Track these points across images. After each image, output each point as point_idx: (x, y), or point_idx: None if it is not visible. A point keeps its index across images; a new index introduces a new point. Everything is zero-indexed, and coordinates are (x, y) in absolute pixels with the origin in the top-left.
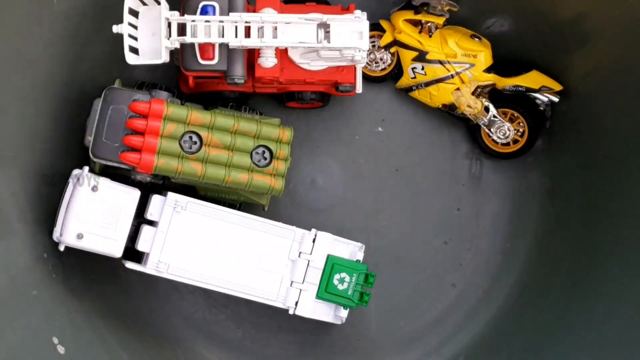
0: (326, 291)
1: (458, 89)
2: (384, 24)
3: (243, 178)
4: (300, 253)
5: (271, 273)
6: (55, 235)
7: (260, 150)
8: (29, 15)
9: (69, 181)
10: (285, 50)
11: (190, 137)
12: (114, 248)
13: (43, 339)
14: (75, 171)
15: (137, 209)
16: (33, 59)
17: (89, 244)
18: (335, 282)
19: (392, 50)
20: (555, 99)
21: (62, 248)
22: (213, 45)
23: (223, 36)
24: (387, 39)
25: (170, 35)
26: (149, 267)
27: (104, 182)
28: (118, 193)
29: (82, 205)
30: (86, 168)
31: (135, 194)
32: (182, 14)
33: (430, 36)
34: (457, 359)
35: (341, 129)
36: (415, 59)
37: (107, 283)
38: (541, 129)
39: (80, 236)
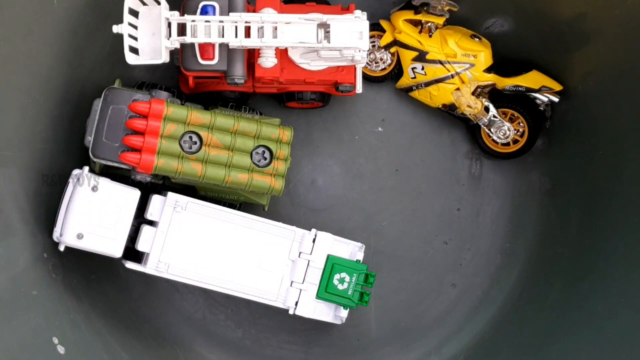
0: (326, 291)
1: (458, 89)
2: (384, 24)
3: (243, 178)
4: (300, 253)
5: (271, 273)
6: (56, 235)
7: (260, 150)
8: (29, 15)
9: (69, 181)
10: (285, 50)
11: (190, 137)
12: (114, 248)
13: (43, 338)
14: (75, 171)
15: (137, 209)
16: (33, 59)
17: (89, 244)
18: (335, 282)
19: (392, 50)
20: (555, 99)
21: (62, 248)
22: (213, 45)
23: (223, 36)
24: (387, 39)
25: (170, 35)
26: (149, 267)
27: (104, 182)
28: (118, 193)
29: (82, 206)
30: (86, 168)
31: (135, 194)
32: (182, 14)
33: (430, 36)
34: (457, 359)
35: (341, 129)
36: (415, 59)
37: (107, 283)
38: (541, 129)
39: (80, 236)
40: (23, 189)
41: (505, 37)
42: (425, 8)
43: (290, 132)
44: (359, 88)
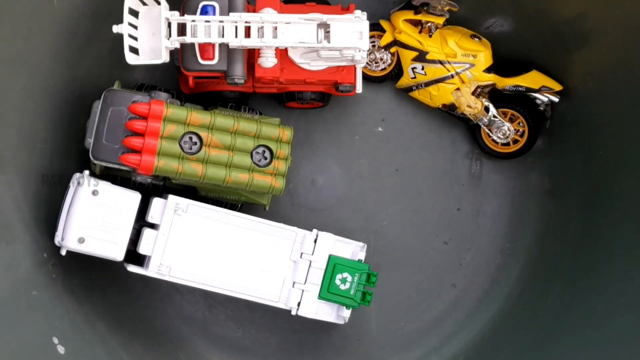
0: (328, 291)
1: (458, 89)
2: (384, 24)
3: (244, 178)
4: (301, 254)
5: (273, 274)
6: (57, 240)
7: (260, 150)
8: (29, 15)
9: (70, 185)
10: (285, 50)
11: (190, 138)
12: (116, 251)
13: (43, 339)
14: (76, 175)
15: (138, 212)
16: (33, 59)
17: (90, 248)
18: (338, 282)
19: (392, 50)
20: (555, 99)
21: (63, 252)
22: (213, 45)
23: (223, 36)
24: (387, 39)
25: (170, 35)
26: (150, 270)
27: (105, 186)
28: (119, 196)
29: (83, 209)
30: (86, 172)
31: (135, 197)
32: (182, 14)
33: (430, 36)
34: (457, 359)
35: (341, 129)
36: (415, 59)
37: (107, 283)
38: (541, 129)
39: (81, 240)
40: (23, 189)
41: (505, 37)
42: (425, 8)
43: (290, 132)
44: (359, 88)
